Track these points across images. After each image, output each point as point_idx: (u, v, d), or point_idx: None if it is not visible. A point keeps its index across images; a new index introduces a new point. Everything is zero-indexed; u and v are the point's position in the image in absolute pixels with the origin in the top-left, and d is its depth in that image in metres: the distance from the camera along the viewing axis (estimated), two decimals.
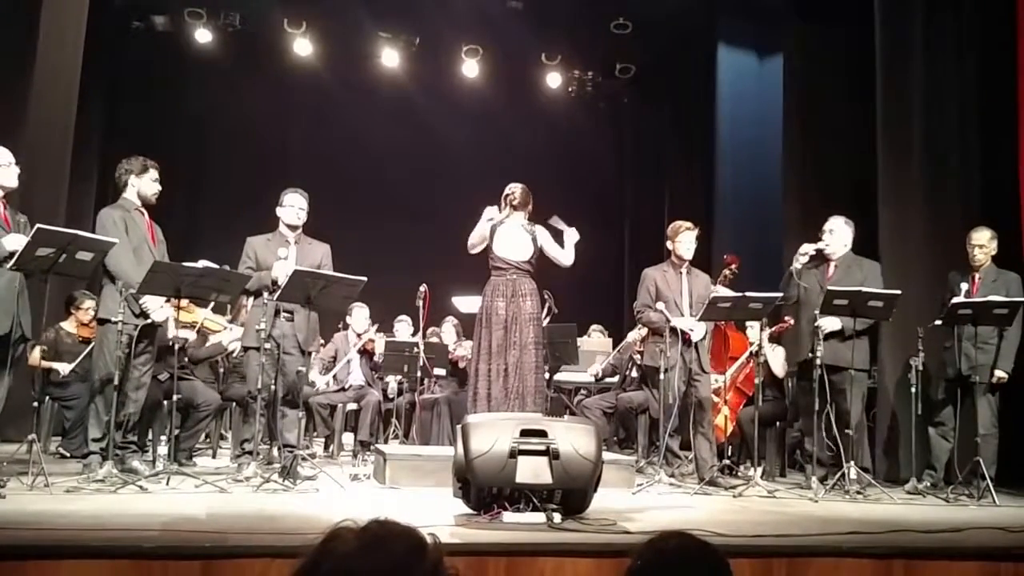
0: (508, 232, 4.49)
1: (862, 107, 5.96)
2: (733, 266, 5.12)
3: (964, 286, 4.65)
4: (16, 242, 3.68)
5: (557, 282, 5.72)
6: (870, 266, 4.78)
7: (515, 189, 4.56)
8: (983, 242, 4.69)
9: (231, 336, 5.33)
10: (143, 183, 4.20)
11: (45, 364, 5.15)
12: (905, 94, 5.60)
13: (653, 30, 8.28)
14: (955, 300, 4.56)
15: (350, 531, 1.01)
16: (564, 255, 4.55)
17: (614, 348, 6.51)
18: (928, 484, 4.54)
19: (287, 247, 4.42)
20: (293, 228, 4.49)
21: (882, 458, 5.28)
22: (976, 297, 4.57)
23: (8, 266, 3.68)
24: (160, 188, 4.25)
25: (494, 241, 4.48)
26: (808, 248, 4.63)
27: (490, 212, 4.50)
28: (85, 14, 5.99)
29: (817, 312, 4.50)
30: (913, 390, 4.57)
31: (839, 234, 4.72)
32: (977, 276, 4.71)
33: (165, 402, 4.77)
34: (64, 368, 5.23)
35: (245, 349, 4.55)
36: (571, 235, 4.58)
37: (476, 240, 4.50)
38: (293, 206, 4.48)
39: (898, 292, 4.53)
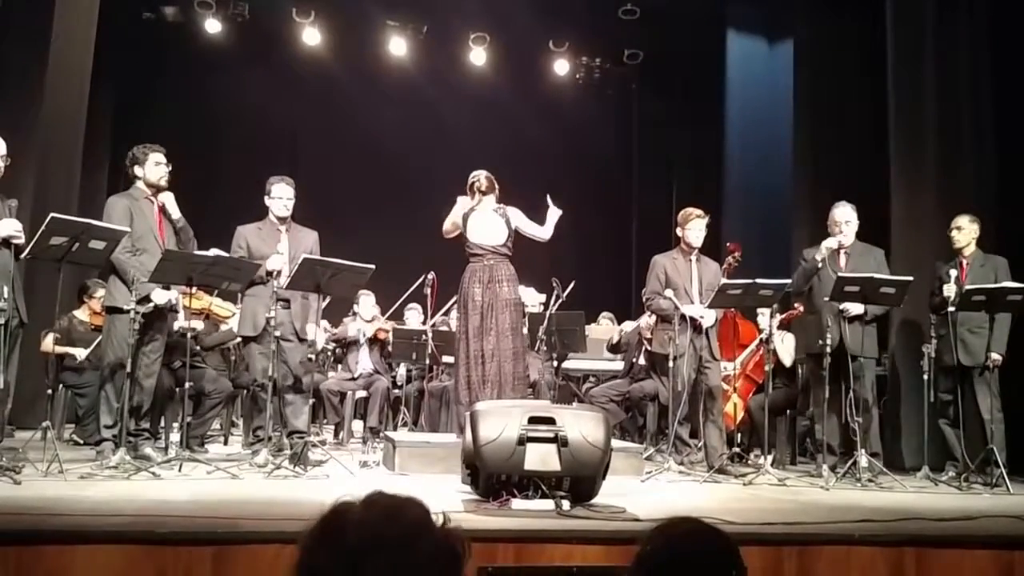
0: (480, 218, 4.52)
1: (874, 92, 5.88)
2: (736, 254, 5.11)
3: (953, 273, 4.65)
4: (7, 227, 3.71)
5: (565, 270, 5.71)
6: (878, 253, 4.80)
7: (479, 175, 4.59)
8: (961, 224, 4.74)
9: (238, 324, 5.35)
10: (147, 169, 4.23)
11: (60, 350, 5.18)
12: (917, 79, 5.52)
13: (661, 15, 8.19)
14: (969, 287, 4.53)
15: (355, 504, 1.01)
16: (541, 230, 4.55)
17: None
18: (953, 474, 4.51)
19: (278, 236, 4.47)
20: (282, 219, 4.52)
21: (890, 446, 5.26)
22: (965, 283, 4.59)
23: (25, 253, 3.71)
24: (167, 171, 4.24)
25: (468, 228, 4.51)
26: (832, 243, 4.67)
27: (463, 201, 4.55)
28: (97, 6, 6.01)
29: (826, 298, 4.49)
30: (925, 377, 4.57)
31: (854, 224, 4.73)
32: (965, 262, 4.73)
33: (177, 390, 4.81)
34: (80, 353, 5.27)
35: (244, 340, 4.58)
36: (554, 213, 4.57)
37: (449, 227, 4.58)
38: (281, 198, 4.51)
39: (910, 279, 4.50)
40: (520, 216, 4.55)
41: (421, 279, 5.77)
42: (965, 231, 4.73)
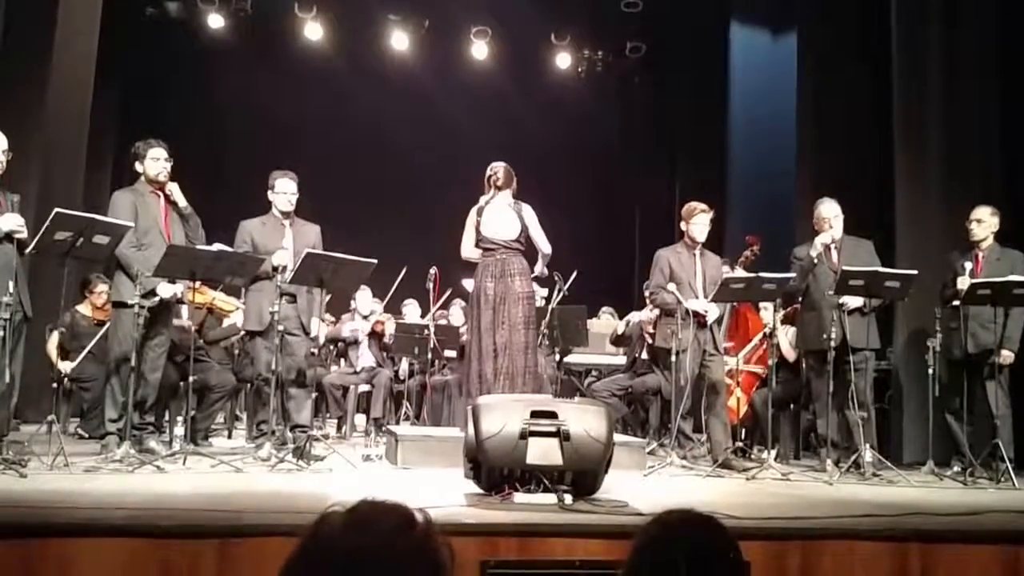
0: (494, 212, 4.50)
1: (878, 84, 5.85)
2: (755, 247, 5.09)
3: (968, 265, 4.61)
4: (10, 221, 3.72)
5: (567, 264, 5.69)
6: (867, 244, 4.80)
7: (497, 168, 4.56)
8: (981, 217, 4.68)
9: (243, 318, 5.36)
10: (147, 165, 4.24)
11: (60, 363, 5.19)
12: (922, 70, 5.49)
13: (664, 7, 8.17)
14: (975, 280, 4.50)
15: (338, 514, 1.01)
16: (544, 243, 4.55)
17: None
18: (958, 469, 4.49)
19: (283, 231, 4.47)
20: (286, 214, 4.51)
21: (895, 441, 5.25)
22: (980, 276, 4.54)
23: (30, 249, 3.72)
24: (166, 166, 4.25)
25: (481, 222, 4.49)
26: (826, 239, 4.67)
27: (472, 220, 4.53)
28: (100, 2, 6.01)
29: (830, 293, 4.49)
30: (930, 372, 4.54)
31: (841, 218, 4.72)
32: (980, 255, 4.68)
33: (181, 384, 4.82)
34: (66, 367, 5.24)
35: (249, 334, 4.59)
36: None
37: (466, 251, 4.54)
38: (285, 192, 4.50)
39: (915, 272, 4.48)
40: (533, 218, 4.53)
41: (404, 269, 5.74)
42: (985, 224, 4.66)
